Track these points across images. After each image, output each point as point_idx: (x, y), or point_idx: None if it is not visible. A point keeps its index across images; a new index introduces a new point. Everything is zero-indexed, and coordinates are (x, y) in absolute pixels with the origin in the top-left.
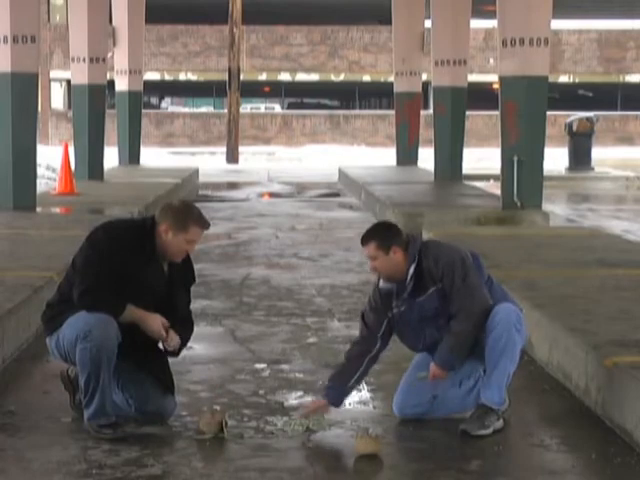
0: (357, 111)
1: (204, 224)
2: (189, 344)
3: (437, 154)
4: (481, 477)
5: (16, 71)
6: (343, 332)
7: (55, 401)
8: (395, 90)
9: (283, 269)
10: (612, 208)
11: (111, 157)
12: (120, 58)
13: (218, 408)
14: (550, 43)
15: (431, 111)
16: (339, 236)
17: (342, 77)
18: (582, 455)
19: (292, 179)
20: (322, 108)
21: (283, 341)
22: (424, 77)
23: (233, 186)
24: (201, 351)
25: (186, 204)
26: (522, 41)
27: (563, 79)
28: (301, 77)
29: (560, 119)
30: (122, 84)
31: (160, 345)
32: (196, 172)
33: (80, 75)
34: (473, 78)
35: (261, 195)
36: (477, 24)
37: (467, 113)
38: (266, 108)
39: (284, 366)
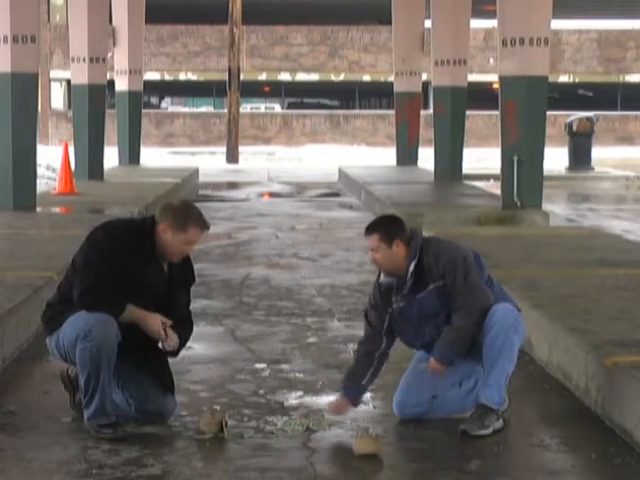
0: (357, 111)
1: (204, 225)
2: (189, 344)
3: (437, 154)
4: (481, 477)
5: (16, 71)
6: (343, 332)
7: (55, 401)
8: (395, 90)
9: (283, 269)
10: (612, 208)
11: (111, 157)
12: (120, 58)
13: (218, 408)
14: (550, 43)
15: (431, 111)
16: (339, 236)
17: (342, 77)
18: (582, 455)
19: (292, 179)
20: (322, 108)
21: (283, 341)
22: (424, 77)
23: (233, 186)
24: (201, 351)
25: (186, 204)
26: (522, 41)
27: (563, 79)
28: (301, 77)
29: (560, 119)
30: (122, 84)
31: (159, 345)
32: (196, 172)
33: (80, 75)
34: (473, 78)
35: (261, 195)
36: (477, 24)
37: (467, 113)
38: (266, 108)
39: (284, 366)
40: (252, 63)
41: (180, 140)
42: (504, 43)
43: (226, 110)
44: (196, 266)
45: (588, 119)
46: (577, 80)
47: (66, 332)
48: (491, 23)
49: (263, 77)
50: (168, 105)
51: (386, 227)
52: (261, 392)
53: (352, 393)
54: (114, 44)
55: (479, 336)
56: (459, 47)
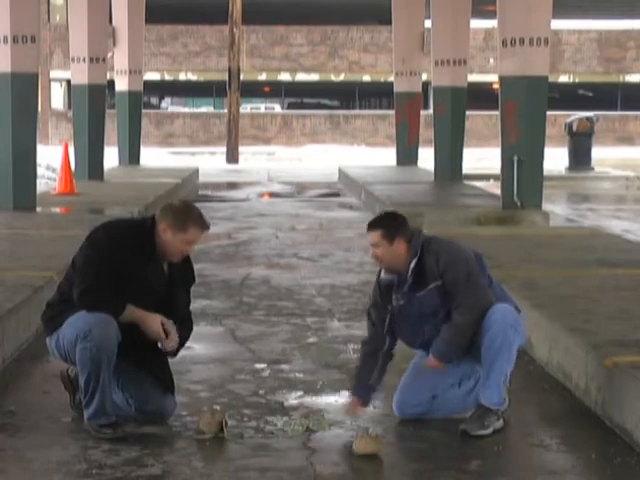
0: (357, 111)
1: (204, 225)
2: (189, 344)
3: (437, 154)
4: (481, 477)
5: (16, 71)
6: (343, 332)
7: (55, 401)
8: (395, 90)
9: (283, 269)
10: (612, 208)
11: (111, 157)
12: (120, 58)
13: (218, 408)
14: (550, 43)
15: (431, 111)
16: (339, 236)
17: (342, 77)
18: (582, 455)
19: (292, 179)
20: (322, 108)
21: (283, 341)
22: (424, 77)
23: (233, 186)
24: (201, 351)
25: (187, 204)
26: (522, 41)
27: (563, 79)
28: (301, 77)
29: (560, 119)
30: (122, 84)
31: (159, 345)
32: (196, 172)
33: (80, 75)
34: (473, 78)
35: (261, 195)
36: (477, 24)
37: (467, 113)
38: (266, 108)
39: (284, 366)
40: (252, 63)
41: (180, 140)
42: (504, 43)
43: (226, 110)
44: (196, 266)
45: (588, 119)
46: (577, 80)
47: (66, 332)
48: (491, 23)
49: (263, 77)
50: (168, 105)
51: (389, 224)
52: (261, 392)
53: (361, 393)
54: (114, 44)
55: (478, 336)
56: (459, 47)
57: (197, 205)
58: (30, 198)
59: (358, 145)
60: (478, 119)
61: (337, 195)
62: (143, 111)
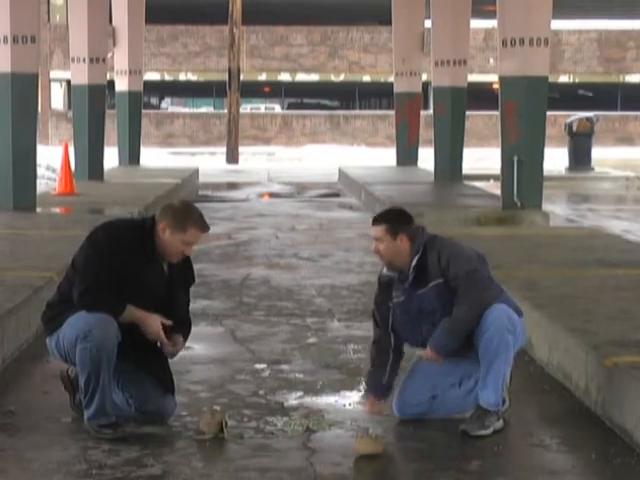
0: (357, 111)
1: (203, 226)
2: (189, 344)
3: (437, 154)
4: (481, 477)
5: (16, 71)
6: (343, 332)
7: (55, 401)
8: (395, 90)
9: (283, 269)
10: (612, 208)
11: (111, 157)
12: (120, 58)
13: (218, 408)
14: (550, 43)
15: (431, 111)
16: (339, 236)
17: (342, 77)
18: (582, 455)
19: (292, 179)
20: (322, 108)
21: (283, 341)
22: (424, 77)
23: (233, 186)
24: (201, 351)
25: (187, 205)
26: (522, 41)
27: (563, 79)
28: (301, 77)
29: (560, 119)
30: (122, 84)
31: (158, 344)
32: (196, 172)
33: (80, 75)
34: (473, 78)
35: (261, 195)
36: (477, 24)
37: (467, 113)
38: (266, 108)
39: (284, 366)
40: (252, 63)
41: (180, 140)
42: (504, 43)
43: (226, 110)
44: (196, 266)
45: (588, 119)
46: (577, 80)
47: (66, 332)
48: (491, 23)
49: (263, 77)
50: (168, 105)
51: (394, 219)
52: (261, 392)
53: (375, 391)
54: (114, 44)
55: (475, 338)
56: (459, 47)
57: (197, 205)
58: (30, 198)
59: (358, 145)
60: (478, 119)
61: (337, 195)
62: (143, 111)
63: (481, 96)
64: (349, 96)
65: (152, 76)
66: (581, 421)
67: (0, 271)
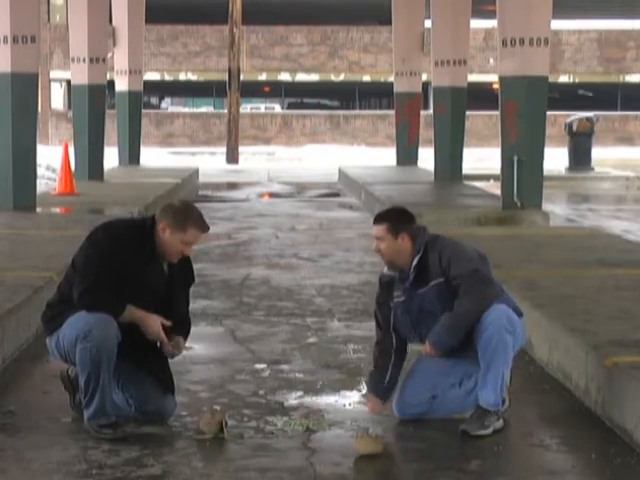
0: (357, 111)
1: (203, 226)
2: (189, 344)
3: (437, 154)
4: (481, 477)
5: (16, 71)
6: (343, 332)
7: (55, 401)
8: (395, 90)
9: (283, 269)
10: (612, 208)
11: (111, 157)
12: (120, 58)
13: (218, 408)
14: (550, 43)
15: (431, 111)
16: (339, 236)
17: (342, 77)
18: (582, 455)
19: (292, 179)
20: (322, 108)
21: (283, 341)
22: (424, 77)
23: (233, 186)
24: (201, 351)
25: (187, 205)
26: (522, 41)
27: (563, 79)
28: (301, 77)
29: (560, 119)
30: (122, 84)
31: (158, 344)
32: (196, 172)
33: (80, 75)
34: (473, 78)
35: (261, 195)
36: (477, 24)
37: (467, 113)
38: (266, 108)
39: (284, 366)
40: (252, 63)
41: (180, 140)
42: (504, 43)
43: (226, 110)
44: (196, 266)
45: (588, 119)
46: (577, 80)
47: (66, 332)
48: (491, 23)
49: (263, 77)
50: (168, 105)
51: (395, 218)
52: (261, 392)
53: (377, 392)
54: (114, 44)
55: (474, 338)
56: (459, 47)
57: (197, 205)
58: (30, 198)
59: (358, 145)
60: (478, 119)
61: (337, 195)
62: (143, 111)
63: (481, 96)
64: (349, 96)
65: (152, 76)
66: (581, 421)
67: (0, 271)
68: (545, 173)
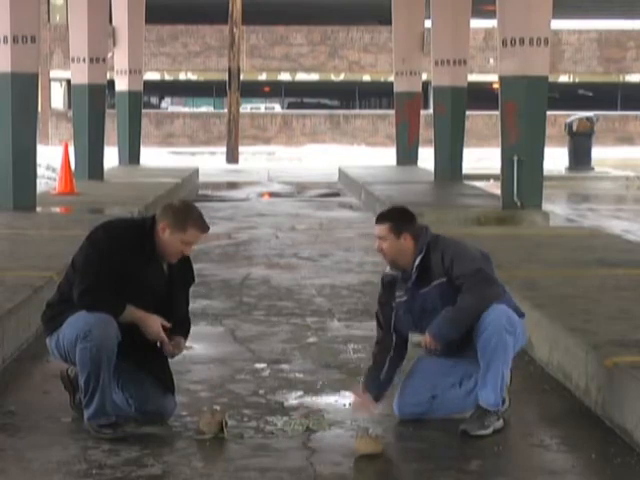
0: (357, 111)
1: (203, 227)
2: (189, 344)
3: (437, 154)
4: (481, 477)
5: (16, 71)
6: (343, 332)
7: (55, 401)
8: (395, 90)
9: (283, 269)
10: (612, 208)
11: (111, 157)
12: (120, 58)
13: (218, 408)
14: (550, 43)
15: (431, 111)
16: (339, 236)
17: (342, 77)
18: (582, 455)
19: (292, 179)
20: (322, 108)
21: (283, 341)
22: (424, 77)
23: (233, 186)
24: (201, 351)
25: (187, 205)
26: (522, 41)
27: (563, 79)
28: (301, 77)
29: (560, 119)
30: (122, 84)
31: (158, 344)
32: (196, 172)
33: (80, 75)
34: (473, 78)
35: (261, 195)
36: (477, 24)
37: (467, 113)
38: (266, 108)
39: (284, 366)
40: (252, 63)
41: (180, 140)
42: (504, 43)
43: (226, 110)
44: (196, 266)
45: (588, 119)
46: (577, 80)
47: (66, 332)
48: (491, 23)
49: (263, 77)
50: (168, 105)
51: (397, 218)
52: (261, 392)
53: (372, 389)
54: (114, 44)
55: (474, 338)
56: (459, 47)
57: (197, 205)
58: (30, 198)
59: (358, 145)
60: (478, 119)
61: (337, 195)
62: (143, 111)
63: (481, 96)
64: (349, 96)
65: (152, 76)
66: (581, 421)
67: (0, 271)
68: (545, 173)
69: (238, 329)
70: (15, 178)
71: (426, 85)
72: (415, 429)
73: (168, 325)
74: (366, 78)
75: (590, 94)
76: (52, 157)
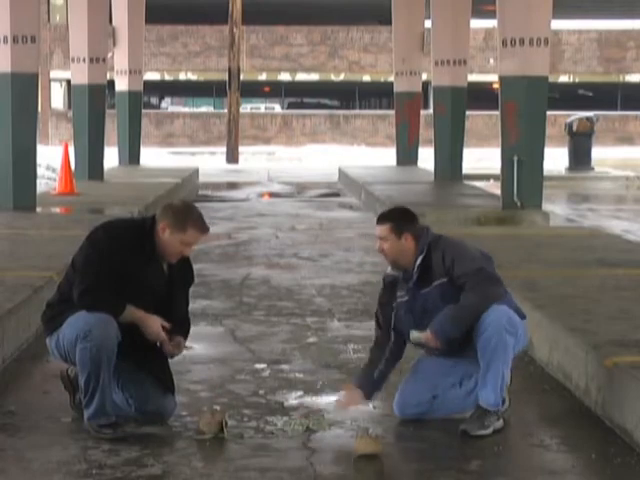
0: (357, 111)
1: (203, 227)
2: (188, 344)
3: (437, 154)
4: (481, 477)
5: (16, 71)
6: (343, 332)
7: (55, 401)
8: (395, 90)
9: (283, 269)
10: (612, 208)
11: (111, 157)
12: (120, 58)
13: (218, 408)
14: (550, 43)
15: (431, 111)
16: (339, 236)
17: (342, 77)
18: (582, 455)
19: (292, 179)
20: (322, 108)
21: (283, 341)
22: (424, 77)
23: (233, 186)
24: (201, 351)
25: (188, 205)
26: (522, 41)
27: (563, 79)
28: (301, 77)
29: (560, 119)
30: (122, 84)
31: (158, 344)
32: (196, 172)
33: (80, 75)
34: (473, 78)
35: (261, 195)
36: (477, 24)
37: (467, 113)
38: (266, 108)
39: (284, 366)
40: (252, 63)
41: (180, 140)
42: (504, 43)
43: (226, 110)
44: (196, 266)
45: (588, 119)
46: (577, 80)
47: (66, 332)
48: (491, 23)
49: (263, 77)
50: (168, 105)
51: (398, 218)
52: (261, 392)
53: (364, 385)
54: (114, 44)
55: (474, 338)
56: (459, 47)
57: (197, 205)
58: (30, 198)
59: (358, 145)
60: (478, 119)
61: (337, 195)
62: (143, 111)
63: (481, 96)
64: (349, 96)
65: (152, 76)
66: (581, 421)
67: (0, 271)
68: (545, 173)
69: (238, 329)
70: (15, 178)
71: (426, 85)
72: (415, 429)
73: (168, 325)
74: (366, 78)
75: (590, 94)
76: (52, 157)
